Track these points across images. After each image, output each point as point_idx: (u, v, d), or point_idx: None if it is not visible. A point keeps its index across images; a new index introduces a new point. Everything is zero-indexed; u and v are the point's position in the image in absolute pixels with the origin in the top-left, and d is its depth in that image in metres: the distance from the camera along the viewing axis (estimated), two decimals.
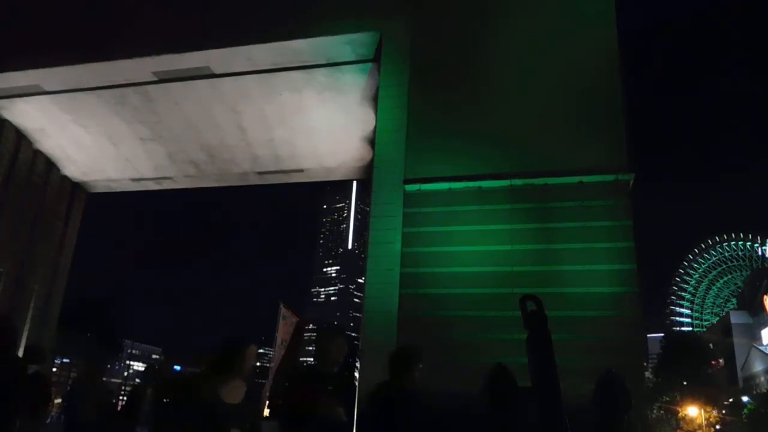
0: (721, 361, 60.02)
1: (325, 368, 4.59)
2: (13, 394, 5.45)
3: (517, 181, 13.59)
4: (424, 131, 14.58)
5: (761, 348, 53.07)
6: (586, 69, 14.31)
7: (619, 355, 11.14)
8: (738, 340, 57.06)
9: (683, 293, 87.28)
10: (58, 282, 23.38)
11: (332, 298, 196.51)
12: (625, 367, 9.31)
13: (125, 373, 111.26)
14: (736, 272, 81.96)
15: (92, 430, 6.85)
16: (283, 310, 10.92)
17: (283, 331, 11.16)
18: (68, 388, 7.75)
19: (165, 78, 18.13)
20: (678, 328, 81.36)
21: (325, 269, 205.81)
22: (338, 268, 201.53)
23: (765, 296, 56.02)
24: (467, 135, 14.35)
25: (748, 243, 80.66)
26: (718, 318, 74.17)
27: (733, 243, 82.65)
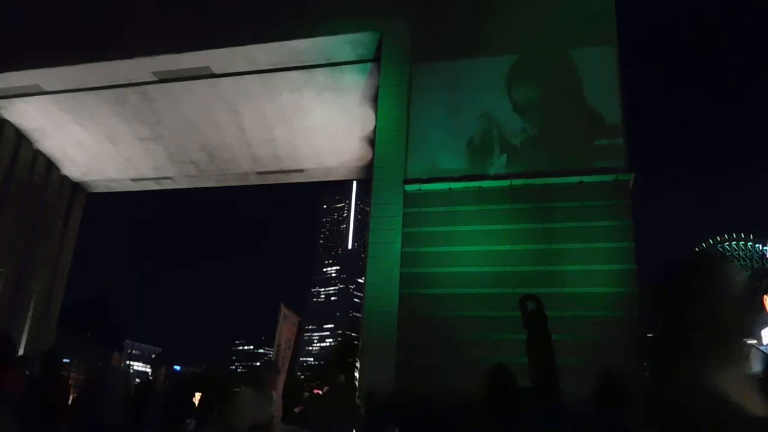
0: None
1: None
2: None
3: (517, 181, 13.59)
4: (424, 131, 14.58)
5: (761, 348, 53.21)
6: (586, 69, 14.32)
7: (619, 355, 11.14)
8: None
9: None
10: (58, 282, 23.38)
11: (332, 298, 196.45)
12: (625, 367, 9.32)
13: None
14: None
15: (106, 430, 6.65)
16: (283, 310, 10.93)
17: (287, 330, 11.17)
18: (84, 389, 7.44)
19: (165, 78, 18.14)
20: None
21: (325, 269, 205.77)
22: (338, 268, 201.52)
23: (765, 296, 56.07)
24: (467, 135, 14.36)
25: (749, 243, 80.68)
26: None
27: (734, 243, 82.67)
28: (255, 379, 6.29)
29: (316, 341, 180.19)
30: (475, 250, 13.29)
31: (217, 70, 17.71)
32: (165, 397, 7.23)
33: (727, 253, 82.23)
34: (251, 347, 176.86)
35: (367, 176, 20.02)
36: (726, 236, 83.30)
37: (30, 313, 21.54)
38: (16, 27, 18.13)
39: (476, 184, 13.76)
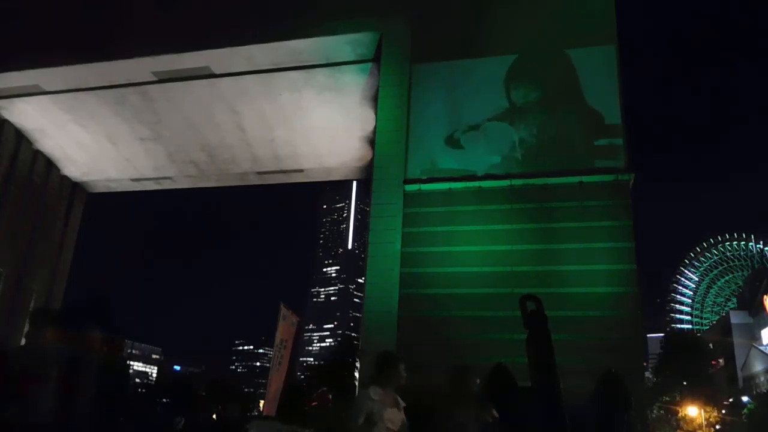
0: (721, 361, 59.99)
1: None
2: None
3: (517, 181, 13.60)
4: (424, 131, 14.59)
5: (761, 348, 53.04)
6: (586, 69, 14.32)
7: (619, 355, 11.15)
8: (738, 340, 56.98)
9: (684, 291, 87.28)
10: (58, 282, 23.36)
11: (332, 298, 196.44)
12: (625, 367, 9.33)
13: None
14: (736, 272, 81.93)
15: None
16: (283, 310, 10.92)
17: (285, 331, 11.15)
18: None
19: (165, 78, 18.13)
20: (678, 326, 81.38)
21: (325, 269, 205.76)
22: (338, 268, 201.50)
23: (765, 296, 55.97)
24: (467, 135, 14.36)
25: (750, 243, 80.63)
26: (718, 318, 74.14)
27: (735, 243, 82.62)
28: (380, 372, 4.55)
29: (316, 341, 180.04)
30: (475, 250, 13.29)
31: (217, 70, 17.71)
32: (104, 376, 4.16)
33: (729, 253, 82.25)
34: (251, 347, 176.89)
35: (367, 176, 20.01)
36: (727, 236, 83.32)
37: (30, 313, 21.53)
38: (16, 27, 18.12)
39: (476, 184, 13.75)
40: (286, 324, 11.22)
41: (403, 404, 4.51)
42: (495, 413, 4.86)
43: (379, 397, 4.30)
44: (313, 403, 6.86)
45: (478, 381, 5.16)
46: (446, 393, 5.09)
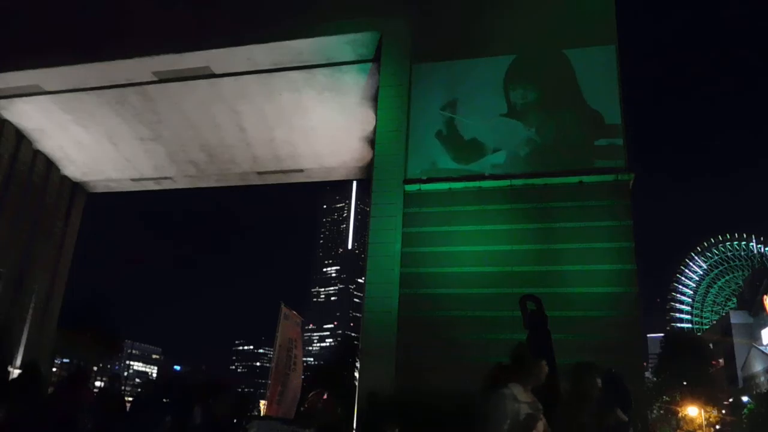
0: (721, 361, 60.02)
1: None
2: None
3: (517, 181, 13.60)
4: (424, 131, 14.59)
5: (761, 348, 53.07)
6: (586, 69, 14.32)
7: (619, 355, 11.14)
8: (738, 340, 57.05)
9: (684, 290, 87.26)
10: (58, 282, 23.36)
11: (332, 298, 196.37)
12: (625, 367, 9.32)
13: (125, 373, 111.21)
14: (736, 272, 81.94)
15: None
16: (284, 310, 10.91)
17: (290, 330, 11.17)
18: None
19: (165, 78, 18.13)
20: (677, 326, 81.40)
21: (325, 269, 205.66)
22: (338, 268, 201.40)
23: (765, 296, 56.01)
24: (467, 135, 14.36)
25: (751, 243, 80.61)
26: (718, 317, 74.14)
27: (735, 243, 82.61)
28: (519, 367, 3.85)
29: (316, 341, 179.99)
30: (475, 250, 13.29)
31: (217, 70, 17.71)
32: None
33: (729, 253, 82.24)
34: (251, 347, 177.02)
35: (367, 176, 20.01)
36: (728, 236, 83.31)
37: (30, 313, 21.52)
38: (16, 27, 18.12)
39: (476, 184, 13.76)
40: (290, 324, 11.23)
41: (541, 407, 3.80)
42: (622, 415, 4.51)
43: (524, 399, 3.67)
44: (310, 399, 6.88)
45: (599, 381, 4.62)
46: (565, 394, 4.60)
